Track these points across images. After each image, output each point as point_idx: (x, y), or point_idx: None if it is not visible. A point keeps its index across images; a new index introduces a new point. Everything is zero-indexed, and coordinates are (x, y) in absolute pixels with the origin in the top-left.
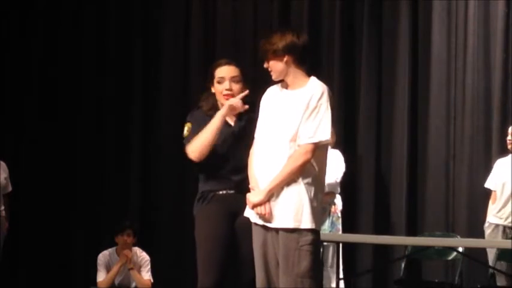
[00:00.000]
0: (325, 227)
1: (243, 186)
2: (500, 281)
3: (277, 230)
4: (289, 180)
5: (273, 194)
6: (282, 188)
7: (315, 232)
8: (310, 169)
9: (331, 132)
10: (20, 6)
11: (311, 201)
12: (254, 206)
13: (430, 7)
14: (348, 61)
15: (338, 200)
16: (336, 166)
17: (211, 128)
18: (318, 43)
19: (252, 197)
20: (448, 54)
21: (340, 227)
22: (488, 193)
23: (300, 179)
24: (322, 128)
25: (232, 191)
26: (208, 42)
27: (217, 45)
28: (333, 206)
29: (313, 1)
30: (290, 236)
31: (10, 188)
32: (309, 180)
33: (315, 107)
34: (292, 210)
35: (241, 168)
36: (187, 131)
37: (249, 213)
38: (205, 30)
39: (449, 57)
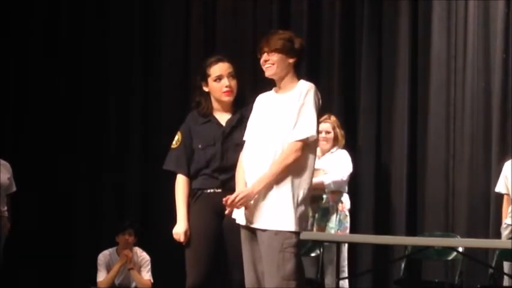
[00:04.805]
0: (333, 225)
1: (230, 185)
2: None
3: (262, 231)
4: (278, 180)
5: (259, 193)
6: (271, 189)
7: (299, 235)
8: (299, 170)
9: (341, 135)
10: (20, 6)
11: (298, 204)
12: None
13: (430, 7)
14: (348, 61)
15: (346, 199)
16: (343, 165)
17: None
18: (318, 43)
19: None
20: (448, 54)
21: (348, 225)
22: (498, 196)
23: (289, 181)
24: (309, 124)
25: (219, 190)
26: (208, 42)
27: (217, 45)
28: (340, 204)
29: (313, 1)
30: (275, 237)
31: (14, 188)
32: (297, 182)
33: (302, 104)
34: (279, 212)
35: (229, 167)
36: (176, 142)
37: (236, 214)
38: (206, 30)
39: (449, 57)
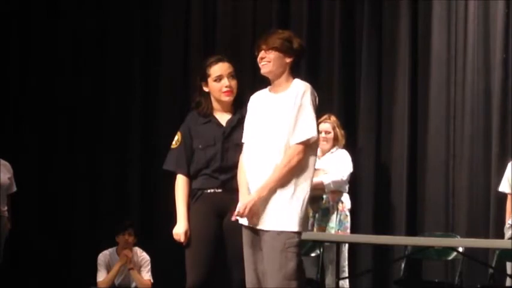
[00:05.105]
0: (333, 225)
1: (230, 185)
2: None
3: (264, 231)
4: (282, 182)
5: (264, 197)
6: (274, 191)
7: (300, 234)
8: (300, 171)
9: (341, 134)
10: (19, 6)
11: (300, 204)
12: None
13: (430, 7)
14: (348, 61)
15: (346, 199)
16: (341, 165)
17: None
18: (318, 43)
19: (242, 199)
20: (448, 54)
21: (348, 225)
22: (498, 196)
23: (291, 182)
24: (309, 125)
25: (219, 190)
26: (209, 42)
27: (217, 45)
28: (341, 204)
29: (313, 1)
30: (277, 237)
31: (14, 189)
32: (299, 182)
33: (300, 106)
34: (281, 212)
35: (229, 167)
36: (176, 142)
37: None
38: (205, 30)
39: (449, 57)
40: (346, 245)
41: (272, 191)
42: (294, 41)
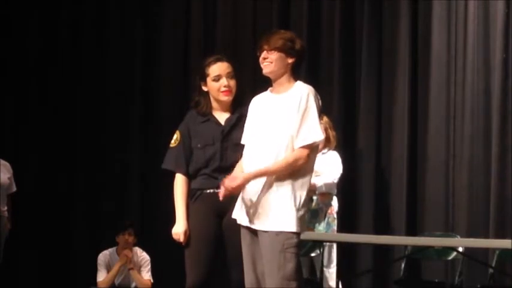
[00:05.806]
0: (321, 228)
1: None
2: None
3: (263, 232)
4: (280, 181)
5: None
6: (272, 190)
7: (299, 235)
8: (301, 173)
9: (333, 136)
10: (19, 6)
11: (299, 205)
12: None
13: (430, 7)
14: (348, 61)
15: (334, 202)
16: (333, 167)
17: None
18: (318, 43)
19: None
20: (448, 54)
21: (335, 228)
22: (498, 196)
23: (290, 183)
24: (314, 128)
25: (219, 190)
26: (208, 42)
27: (217, 45)
28: (329, 207)
29: (313, 1)
30: (276, 238)
31: (14, 189)
32: (298, 183)
33: (305, 109)
34: (280, 213)
35: (228, 167)
36: (175, 141)
37: (237, 215)
38: (206, 30)
39: (449, 57)
40: (334, 245)
41: (271, 192)
42: (297, 42)
